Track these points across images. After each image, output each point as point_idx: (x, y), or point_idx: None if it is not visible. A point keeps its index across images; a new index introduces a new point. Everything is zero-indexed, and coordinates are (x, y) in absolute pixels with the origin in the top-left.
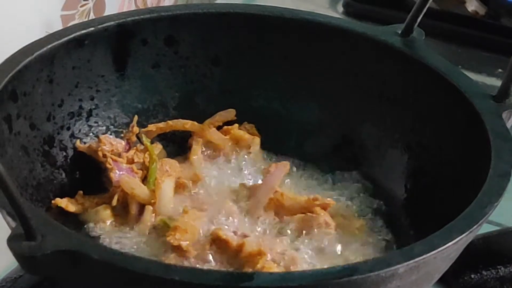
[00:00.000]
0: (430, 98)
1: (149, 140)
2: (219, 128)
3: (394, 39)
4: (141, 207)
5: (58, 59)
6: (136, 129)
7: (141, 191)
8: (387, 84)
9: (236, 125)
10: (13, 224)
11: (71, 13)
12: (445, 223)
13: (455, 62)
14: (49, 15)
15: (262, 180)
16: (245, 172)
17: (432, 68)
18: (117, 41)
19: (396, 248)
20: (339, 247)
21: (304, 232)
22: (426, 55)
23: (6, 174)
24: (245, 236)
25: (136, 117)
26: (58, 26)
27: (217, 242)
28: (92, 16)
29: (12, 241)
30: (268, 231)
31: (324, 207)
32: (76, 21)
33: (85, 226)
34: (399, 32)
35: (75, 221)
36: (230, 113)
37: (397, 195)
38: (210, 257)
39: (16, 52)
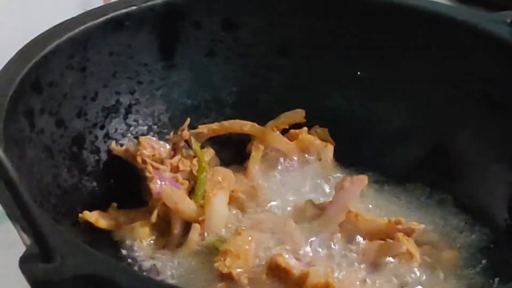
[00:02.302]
0: None
1: (199, 144)
2: (284, 132)
3: (502, 29)
4: (186, 225)
5: (92, 43)
6: (186, 133)
7: (186, 206)
8: (493, 84)
9: (306, 128)
10: (28, 241)
11: None
12: None
13: None
14: None
15: (333, 197)
16: (314, 186)
17: None
18: (164, 23)
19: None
20: (425, 284)
21: (382, 262)
22: None
23: (19, 181)
24: (310, 264)
25: (188, 120)
26: (98, 2)
27: (275, 271)
28: None
29: (24, 262)
30: (338, 260)
31: (408, 233)
32: None
33: (118, 246)
34: (509, 20)
35: (107, 240)
36: (298, 114)
37: (500, 221)
38: None
39: (43, 33)
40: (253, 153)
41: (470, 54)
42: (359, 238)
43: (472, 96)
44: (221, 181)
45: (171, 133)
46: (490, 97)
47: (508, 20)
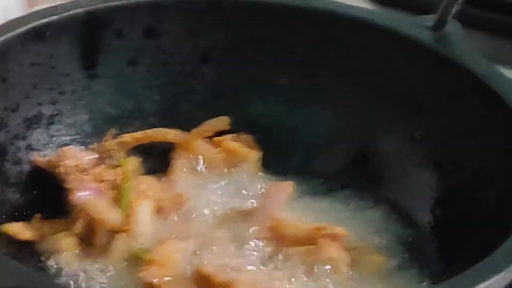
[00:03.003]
0: (467, 107)
1: (123, 153)
2: (208, 139)
3: (423, 34)
4: (111, 236)
5: (12, 54)
6: (109, 144)
7: (110, 216)
8: (415, 89)
9: (230, 135)
10: None
11: None
12: (483, 258)
13: (501, 61)
14: None
15: (259, 204)
16: (239, 193)
17: (469, 71)
18: (86, 33)
19: None
20: None
21: (308, 268)
22: (462, 54)
23: None
24: (236, 272)
25: (112, 130)
26: (19, 11)
27: (201, 279)
28: (62, 1)
29: None
30: (264, 267)
31: (334, 238)
32: (42, 6)
33: (42, 257)
34: (430, 24)
35: (31, 251)
36: (222, 122)
37: (424, 224)
38: None
39: None
40: (177, 161)
41: (392, 59)
42: (285, 244)
43: (395, 101)
44: (146, 190)
45: (95, 144)
46: (413, 101)
47: (430, 24)
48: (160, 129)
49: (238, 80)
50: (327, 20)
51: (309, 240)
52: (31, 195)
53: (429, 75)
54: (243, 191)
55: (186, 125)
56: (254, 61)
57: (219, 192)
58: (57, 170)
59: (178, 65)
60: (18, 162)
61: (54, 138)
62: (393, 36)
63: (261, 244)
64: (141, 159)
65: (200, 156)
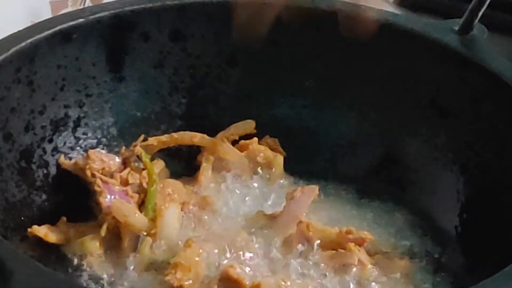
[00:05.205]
0: (493, 110)
1: (149, 156)
2: (234, 142)
3: (450, 37)
4: (137, 239)
5: (39, 56)
6: (138, 149)
7: (136, 219)
8: (441, 92)
9: (256, 139)
10: None
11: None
12: (508, 264)
13: None
14: (37, 1)
15: (284, 207)
16: (265, 197)
17: (494, 73)
18: (112, 35)
19: None
20: None
21: (334, 272)
22: (487, 57)
23: None
24: (261, 275)
25: (142, 136)
26: (46, 15)
27: (227, 282)
28: (89, 4)
29: None
30: (290, 270)
31: (360, 243)
32: (68, 9)
33: (68, 260)
34: (456, 28)
35: (57, 254)
36: (248, 125)
37: (450, 228)
38: None
39: None
40: (204, 165)
41: (418, 62)
42: (311, 248)
43: (420, 105)
44: (172, 193)
45: (123, 148)
46: (438, 105)
47: (456, 28)
48: (187, 132)
49: (264, 83)
50: (352, 23)
51: (335, 244)
52: (57, 198)
53: (454, 79)
54: (269, 194)
55: (212, 128)
56: (279, 64)
57: (244, 195)
58: (83, 173)
59: (204, 68)
60: (44, 165)
61: (80, 141)
62: (419, 40)
63: (287, 248)
64: (167, 162)
65: (226, 160)
